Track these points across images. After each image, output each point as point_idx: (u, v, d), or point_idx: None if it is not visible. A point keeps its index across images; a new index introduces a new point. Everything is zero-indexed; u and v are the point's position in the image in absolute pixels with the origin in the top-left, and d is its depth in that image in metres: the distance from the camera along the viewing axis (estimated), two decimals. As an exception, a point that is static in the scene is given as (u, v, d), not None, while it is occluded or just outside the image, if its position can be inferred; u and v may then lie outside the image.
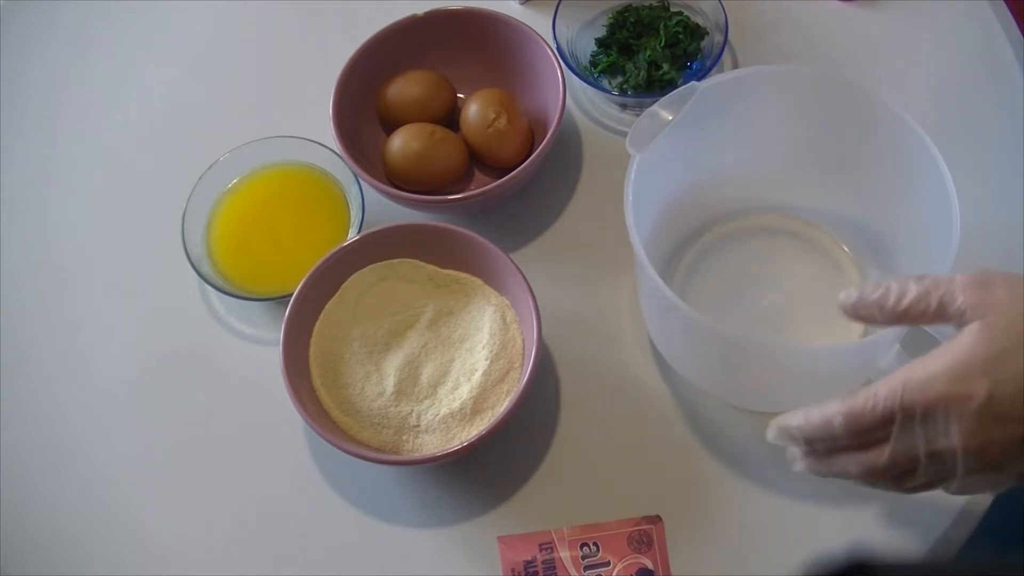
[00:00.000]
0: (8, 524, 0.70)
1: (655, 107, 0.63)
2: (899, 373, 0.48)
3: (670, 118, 0.62)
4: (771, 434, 0.53)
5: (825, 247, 0.72)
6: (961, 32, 0.81)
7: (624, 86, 0.80)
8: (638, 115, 0.79)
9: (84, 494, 0.71)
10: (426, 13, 0.79)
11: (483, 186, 0.72)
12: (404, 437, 0.67)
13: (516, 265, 0.68)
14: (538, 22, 0.80)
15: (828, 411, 0.50)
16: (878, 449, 0.49)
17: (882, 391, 0.48)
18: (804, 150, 0.68)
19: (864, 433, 0.49)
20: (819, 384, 0.61)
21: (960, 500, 0.64)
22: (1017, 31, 0.80)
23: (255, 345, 0.75)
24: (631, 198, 0.60)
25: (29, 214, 0.83)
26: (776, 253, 0.73)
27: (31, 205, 0.83)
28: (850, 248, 0.71)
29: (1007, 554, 0.48)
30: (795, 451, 0.53)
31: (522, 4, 0.86)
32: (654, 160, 0.62)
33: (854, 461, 0.50)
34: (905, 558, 0.63)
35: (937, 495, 0.64)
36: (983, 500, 0.64)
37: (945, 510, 0.64)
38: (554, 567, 0.64)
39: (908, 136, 0.61)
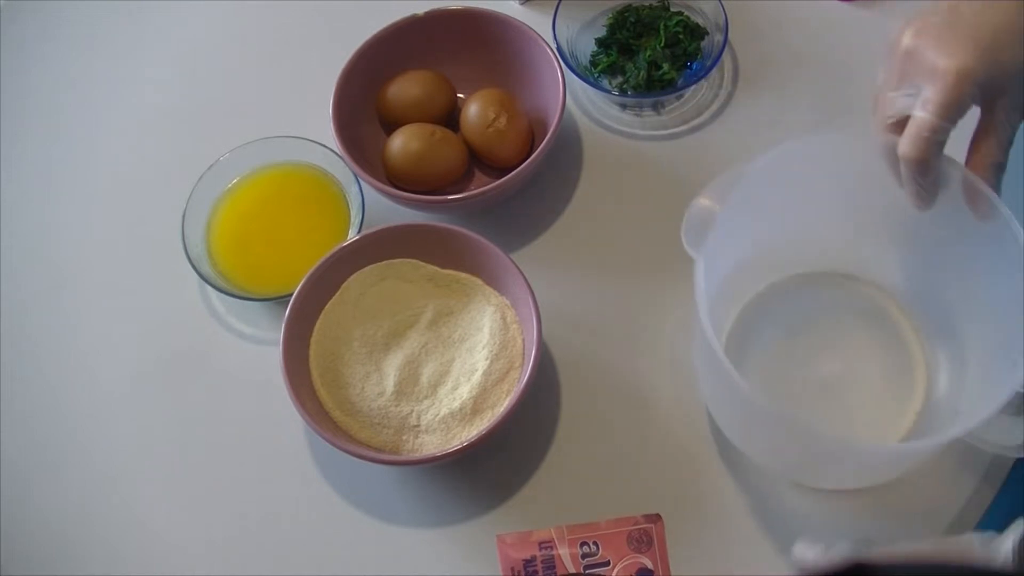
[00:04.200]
0: (8, 524, 0.70)
1: (700, 199, 0.59)
2: None
3: (718, 209, 0.59)
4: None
5: (891, 318, 0.69)
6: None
7: (624, 86, 0.80)
8: (638, 115, 0.80)
9: (84, 494, 0.71)
10: (426, 13, 0.79)
11: (483, 186, 0.72)
12: (404, 437, 0.67)
13: (516, 265, 0.68)
14: (538, 22, 0.80)
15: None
16: None
17: None
18: (868, 217, 0.65)
19: None
20: (867, 469, 0.61)
21: (960, 500, 0.64)
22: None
23: (255, 345, 0.75)
24: (703, 302, 0.57)
25: (29, 214, 0.83)
26: (839, 321, 0.69)
27: (31, 205, 0.83)
28: (917, 322, 0.68)
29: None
30: None
31: (522, 4, 0.86)
32: (711, 244, 0.59)
33: None
34: (905, 558, 0.62)
35: (936, 496, 0.64)
36: (983, 500, 0.64)
37: (945, 510, 0.64)
38: (554, 566, 0.64)
39: (988, 210, 0.57)
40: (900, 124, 0.57)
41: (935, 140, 0.55)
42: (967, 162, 0.57)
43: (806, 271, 0.71)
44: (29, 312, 0.78)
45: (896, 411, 0.66)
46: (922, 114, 0.54)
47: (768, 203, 0.62)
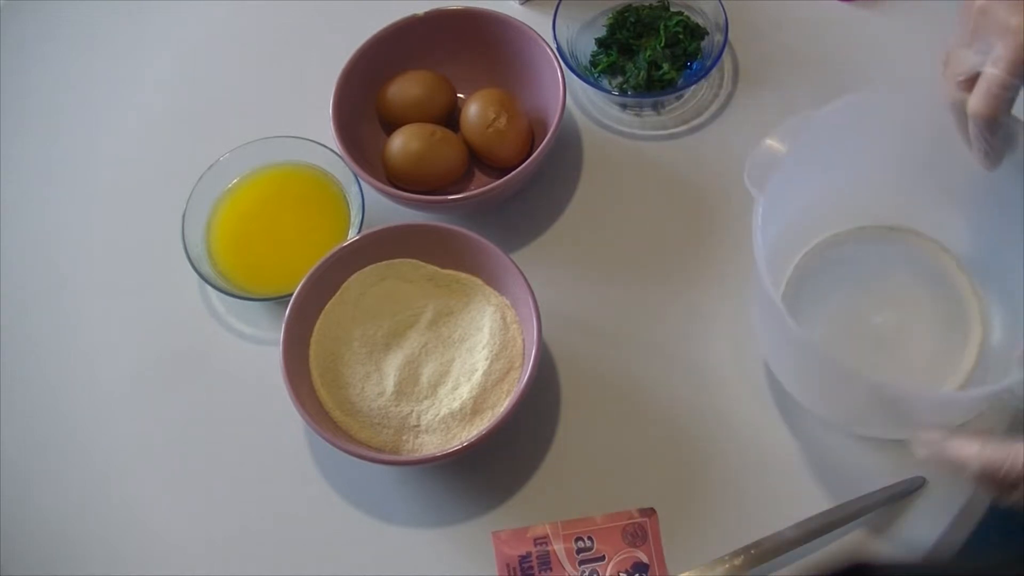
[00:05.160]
0: (8, 524, 0.70)
1: (767, 141, 0.60)
2: None
3: (783, 150, 0.59)
4: (918, 451, 0.55)
5: (948, 275, 0.70)
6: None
7: (624, 86, 0.80)
8: (638, 115, 0.80)
9: (84, 494, 0.71)
10: (426, 13, 0.79)
11: (483, 186, 0.72)
12: (404, 437, 0.67)
13: (516, 265, 0.68)
14: (538, 22, 0.80)
15: (967, 453, 0.52)
16: (1009, 491, 0.51)
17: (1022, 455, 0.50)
18: (924, 171, 0.66)
19: (997, 478, 0.51)
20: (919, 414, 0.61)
21: (959, 500, 0.64)
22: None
23: (255, 345, 0.75)
24: (760, 241, 0.58)
25: (29, 214, 0.83)
26: (893, 271, 0.70)
27: (31, 205, 0.83)
28: (975, 279, 0.69)
29: (1007, 554, 0.49)
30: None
31: (522, 4, 0.86)
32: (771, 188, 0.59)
33: (983, 487, 0.53)
34: (905, 558, 0.63)
35: (936, 498, 0.64)
36: (983, 501, 0.64)
37: (945, 510, 0.64)
38: (549, 561, 0.64)
39: None
40: (970, 82, 0.57)
41: (1005, 97, 0.55)
42: None
43: (863, 224, 0.71)
44: (29, 312, 0.78)
45: (950, 365, 0.66)
46: (992, 70, 0.55)
47: (830, 153, 0.62)
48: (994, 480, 0.51)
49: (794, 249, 0.71)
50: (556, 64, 0.75)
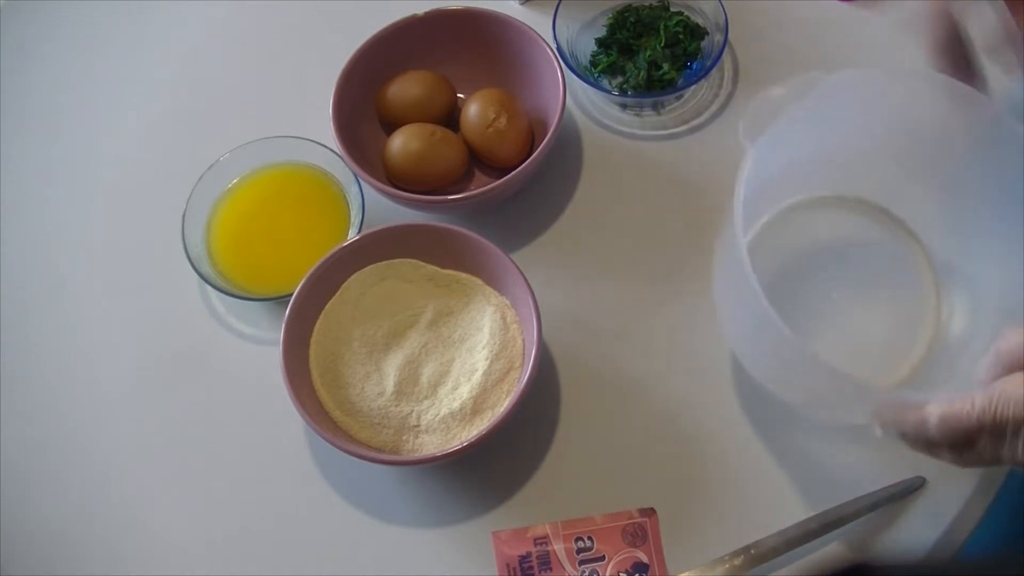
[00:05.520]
0: (8, 524, 0.70)
1: (768, 93, 0.58)
2: (996, 386, 0.50)
3: (784, 103, 0.58)
4: (870, 421, 0.55)
5: (910, 255, 0.69)
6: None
7: (624, 86, 0.80)
8: (638, 115, 0.80)
9: (84, 493, 0.71)
10: (426, 13, 0.79)
11: (483, 186, 0.72)
12: (404, 437, 0.67)
13: (516, 265, 0.68)
14: (538, 22, 0.80)
15: (925, 412, 0.52)
16: (968, 450, 0.51)
17: (979, 402, 0.50)
18: (909, 152, 0.65)
19: (955, 434, 0.51)
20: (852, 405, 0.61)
21: (959, 500, 0.64)
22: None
23: (255, 345, 0.75)
24: (743, 195, 0.56)
25: (29, 214, 0.83)
26: (857, 249, 0.70)
27: (31, 205, 0.83)
28: (938, 266, 0.69)
29: (1007, 554, 0.49)
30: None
31: (522, 4, 0.86)
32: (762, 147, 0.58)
33: (942, 454, 0.53)
34: (905, 558, 0.63)
35: (936, 498, 0.64)
36: (983, 501, 0.64)
37: (945, 510, 0.64)
38: (549, 561, 0.64)
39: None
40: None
41: None
42: None
43: (836, 194, 0.71)
44: (29, 312, 0.78)
45: (902, 351, 0.66)
46: None
47: (823, 121, 0.62)
48: (955, 433, 0.50)
49: (763, 209, 0.70)
50: (556, 64, 0.75)
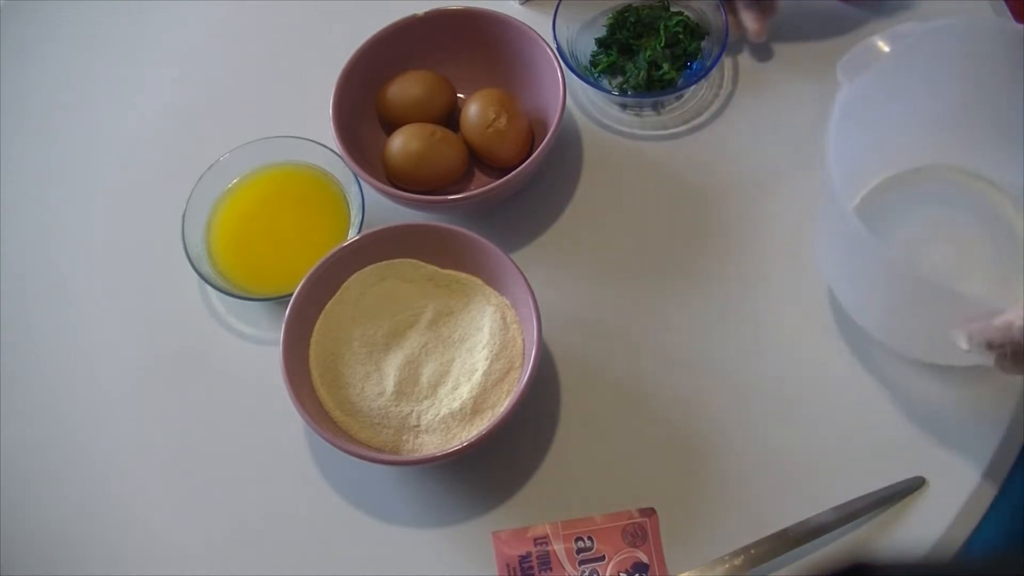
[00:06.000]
0: (8, 524, 0.70)
1: (873, 39, 0.60)
2: None
3: (887, 50, 0.60)
4: (957, 333, 0.55)
5: (1003, 212, 0.70)
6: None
7: (624, 86, 0.80)
8: (638, 115, 0.80)
9: (84, 494, 0.71)
10: (426, 13, 0.79)
11: (483, 186, 0.72)
12: (404, 437, 0.67)
13: (516, 265, 0.68)
14: (538, 22, 0.80)
15: (1011, 315, 0.52)
16: None
17: None
18: (999, 110, 0.66)
19: None
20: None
21: (959, 500, 0.64)
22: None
23: (255, 345, 0.75)
24: (835, 127, 0.58)
25: (29, 214, 0.83)
26: (952, 209, 0.71)
27: (31, 205, 0.83)
28: None
29: (1007, 554, 0.48)
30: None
31: (522, 4, 0.86)
32: (852, 101, 0.60)
33: None
34: (905, 558, 0.63)
35: (936, 498, 0.64)
36: (983, 501, 0.64)
37: (945, 510, 0.64)
38: (549, 561, 0.64)
39: None
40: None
41: None
42: None
43: (921, 165, 0.72)
44: (29, 312, 0.78)
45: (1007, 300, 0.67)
46: None
47: (917, 82, 0.63)
48: None
49: (855, 188, 0.71)
50: (556, 64, 0.75)
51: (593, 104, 0.81)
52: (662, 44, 0.80)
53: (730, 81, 0.81)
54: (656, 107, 0.81)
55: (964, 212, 0.71)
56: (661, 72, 0.79)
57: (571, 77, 0.78)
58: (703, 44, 0.81)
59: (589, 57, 0.82)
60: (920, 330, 0.64)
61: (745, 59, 0.82)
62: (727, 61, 0.82)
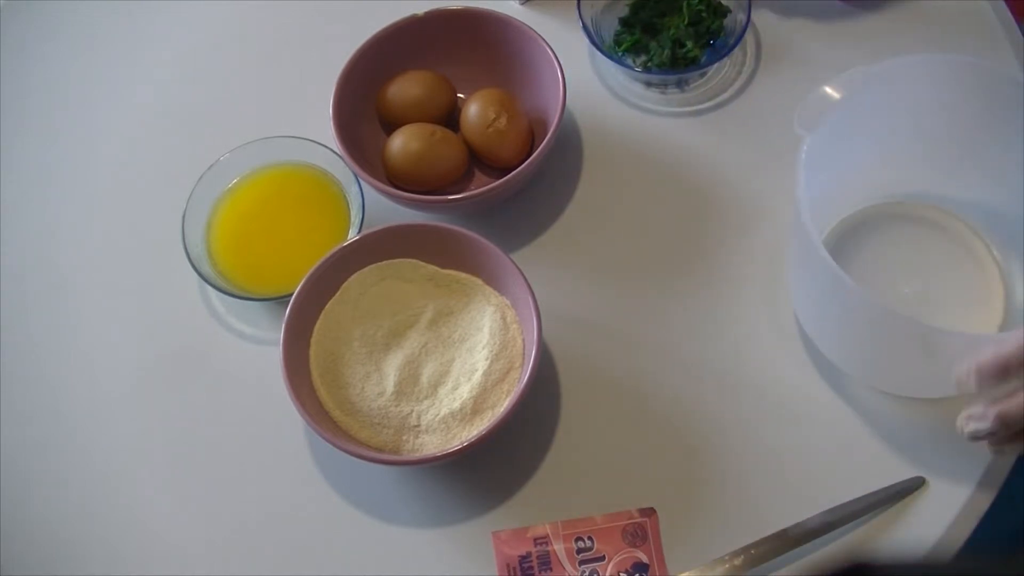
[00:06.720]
0: (8, 524, 0.70)
1: (824, 88, 0.62)
2: None
3: (837, 96, 0.61)
4: (958, 377, 0.55)
5: (965, 240, 0.71)
6: (961, 32, 0.81)
7: (648, 64, 0.80)
8: (663, 93, 0.80)
9: (84, 494, 0.71)
10: (426, 13, 0.79)
11: (483, 186, 0.72)
12: (404, 437, 0.67)
13: (516, 265, 0.68)
14: (538, 22, 0.80)
15: (1009, 343, 0.52)
16: None
17: None
18: (950, 140, 0.67)
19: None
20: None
21: (959, 500, 0.64)
22: (1017, 31, 0.80)
23: (255, 345, 0.75)
24: (804, 179, 0.59)
25: (29, 214, 0.83)
26: (916, 242, 0.72)
27: (31, 205, 0.83)
28: (992, 243, 0.71)
29: (1007, 554, 0.48)
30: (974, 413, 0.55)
31: (522, 4, 0.86)
32: (816, 144, 0.61)
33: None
34: (905, 558, 0.63)
35: (936, 498, 0.64)
36: (983, 501, 0.64)
37: (945, 510, 0.64)
38: (549, 561, 0.64)
39: None
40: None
41: None
42: None
43: (888, 199, 0.73)
44: (29, 312, 0.78)
45: (979, 325, 0.68)
46: None
47: (871, 119, 0.64)
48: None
49: (824, 222, 0.72)
50: (556, 64, 0.75)
51: (617, 82, 0.82)
52: (685, 23, 0.80)
53: (753, 59, 0.81)
54: (680, 84, 0.81)
55: (929, 242, 0.72)
56: (685, 50, 0.80)
57: (597, 55, 0.79)
58: (726, 22, 0.81)
59: (613, 36, 0.83)
60: (899, 364, 0.65)
61: (768, 37, 0.82)
62: (750, 39, 0.82)
